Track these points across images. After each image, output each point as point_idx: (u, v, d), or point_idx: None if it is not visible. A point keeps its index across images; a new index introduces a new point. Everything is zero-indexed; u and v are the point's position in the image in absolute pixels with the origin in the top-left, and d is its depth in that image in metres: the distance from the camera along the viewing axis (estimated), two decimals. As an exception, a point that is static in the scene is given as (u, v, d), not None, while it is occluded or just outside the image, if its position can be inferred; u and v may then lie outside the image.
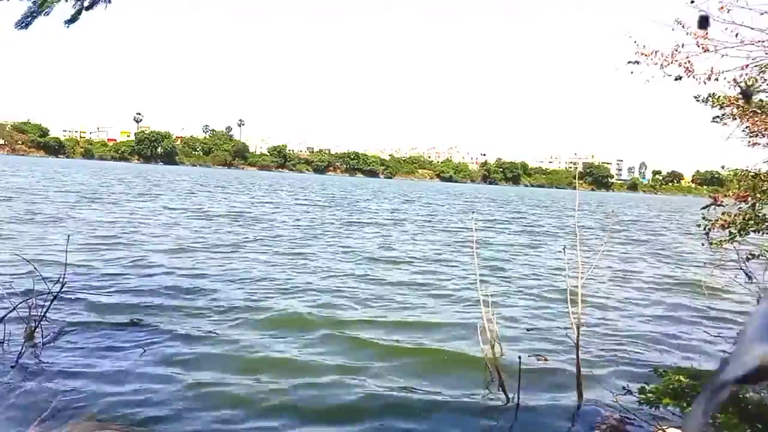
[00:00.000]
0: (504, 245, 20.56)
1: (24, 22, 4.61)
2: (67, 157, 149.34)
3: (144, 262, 12.60)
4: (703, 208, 5.85)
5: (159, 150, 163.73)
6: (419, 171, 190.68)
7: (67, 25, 4.71)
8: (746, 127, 5.39)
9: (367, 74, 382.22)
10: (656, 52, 4.98)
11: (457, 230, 25.46)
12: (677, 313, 10.77)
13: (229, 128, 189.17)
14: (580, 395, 6.03)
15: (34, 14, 4.58)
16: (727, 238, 5.83)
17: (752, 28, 4.71)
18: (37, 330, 6.94)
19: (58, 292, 7.09)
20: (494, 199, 69.47)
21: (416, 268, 14.27)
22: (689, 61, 4.90)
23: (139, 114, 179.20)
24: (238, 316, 8.69)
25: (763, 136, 5.36)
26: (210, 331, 7.86)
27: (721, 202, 5.75)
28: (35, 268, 7.35)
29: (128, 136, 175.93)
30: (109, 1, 4.82)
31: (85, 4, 4.70)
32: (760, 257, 5.87)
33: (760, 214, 5.59)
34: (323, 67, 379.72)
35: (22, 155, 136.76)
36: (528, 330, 8.93)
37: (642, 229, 33.21)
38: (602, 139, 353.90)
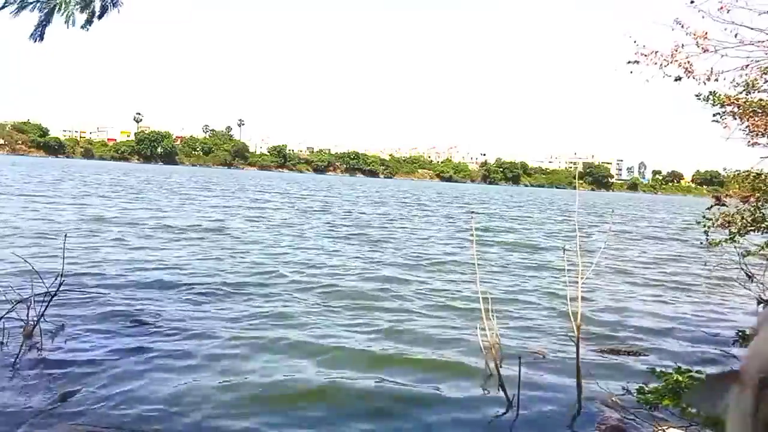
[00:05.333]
0: (502, 246, 20.55)
1: (37, 34, 4.63)
2: (67, 157, 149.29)
3: (142, 261, 12.59)
4: (708, 209, 5.84)
5: (159, 150, 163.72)
6: (419, 171, 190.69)
7: (84, 28, 4.74)
8: (746, 126, 5.38)
9: (367, 74, 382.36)
10: (656, 52, 4.98)
11: (453, 237, 25.45)
12: (677, 313, 10.76)
13: (229, 128, 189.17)
14: (580, 395, 6.02)
15: (45, 24, 4.60)
16: (727, 237, 5.82)
17: (752, 29, 4.71)
18: (35, 329, 6.94)
19: (56, 291, 7.08)
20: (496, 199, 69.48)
21: (416, 268, 14.27)
22: (689, 62, 4.89)
23: (139, 114, 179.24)
24: (238, 317, 8.68)
25: (763, 136, 5.35)
26: (210, 331, 7.85)
27: (724, 202, 5.75)
28: (33, 268, 7.34)
29: (128, 136, 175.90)
30: (119, 9, 4.84)
31: (97, 12, 4.73)
32: (757, 255, 5.87)
33: (759, 215, 5.59)
34: (323, 67, 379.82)
35: (22, 155, 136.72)
36: (528, 330, 8.92)
37: (643, 230, 33.19)
38: (602, 139, 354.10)
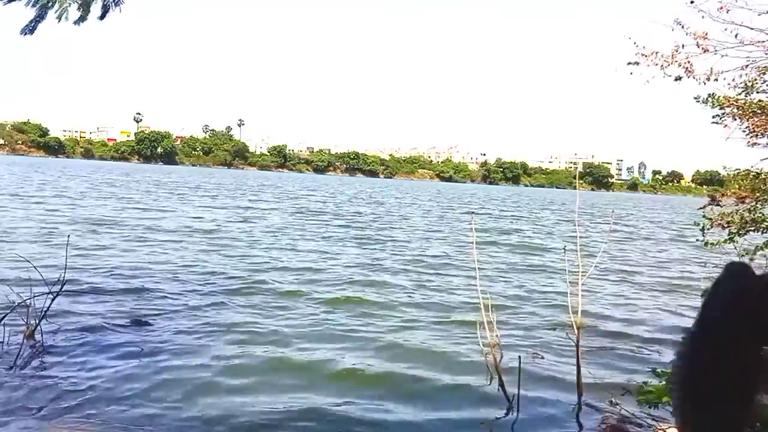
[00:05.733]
0: (501, 246, 20.56)
1: (29, 28, 4.62)
2: (67, 157, 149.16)
3: (143, 262, 12.60)
4: (701, 208, 5.84)
5: (159, 150, 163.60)
6: (419, 171, 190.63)
7: (77, 24, 4.74)
8: (746, 127, 5.38)
9: (367, 74, 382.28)
10: (656, 53, 4.98)
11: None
12: (677, 314, 10.76)
13: (229, 128, 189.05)
14: (580, 395, 6.03)
15: (38, 20, 4.60)
16: (727, 238, 5.81)
17: (752, 29, 4.72)
18: (36, 330, 6.94)
19: (58, 292, 7.08)
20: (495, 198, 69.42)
21: (416, 268, 14.28)
22: (689, 62, 4.90)
23: (139, 114, 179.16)
24: (231, 323, 8.70)
25: (763, 136, 5.36)
26: (210, 332, 7.86)
27: (719, 201, 5.74)
28: (35, 268, 7.34)
29: (128, 136, 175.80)
30: (120, 9, 4.84)
31: (98, 14, 4.72)
32: (754, 255, 5.86)
33: (759, 215, 5.58)
34: (323, 67, 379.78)
35: (22, 155, 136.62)
36: (528, 330, 8.93)
37: (643, 230, 33.20)
38: (602, 139, 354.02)
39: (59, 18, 4.58)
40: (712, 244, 5.89)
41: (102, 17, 4.63)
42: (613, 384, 6.40)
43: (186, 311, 8.79)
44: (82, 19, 4.74)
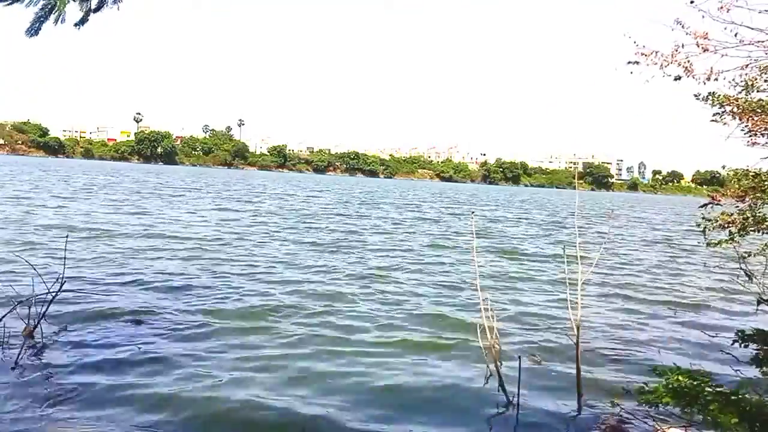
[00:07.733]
0: (501, 246, 20.55)
1: (33, 29, 4.62)
2: (67, 157, 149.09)
3: (142, 262, 12.60)
4: (701, 207, 5.83)
5: (159, 150, 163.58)
6: (419, 171, 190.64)
7: (77, 27, 4.73)
8: (746, 126, 5.38)
9: (367, 74, 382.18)
10: (656, 52, 4.97)
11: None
12: (677, 314, 10.76)
13: (229, 128, 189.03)
14: (579, 395, 6.02)
15: (42, 20, 4.59)
16: (726, 238, 5.80)
17: (752, 28, 4.71)
18: (36, 329, 6.94)
19: (57, 292, 7.09)
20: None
21: (415, 267, 14.27)
22: (689, 61, 4.89)
23: (139, 114, 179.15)
24: (236, 316, 8.69)
25: (763, 136, 5.35)
26: (209, 331, 7.86)
27: (719, 201, 5.73)
28: (34, 268, 7.34)
29: (128, 136, 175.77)
30: (119, 5, 4.82)
31: (92, 6, 4.71)
32: (758, 255, 5.86)
33: (759, 214, 5.58)
34: (323, 67, 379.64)
35: (22, 155, 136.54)
36: (528, 330, 8.92)
37: (642, 230, 33.19)
38: (602, 139, 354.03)
39: (56, 21, 4.58)
40: (712, 243, 5.88)
41: (96, 10, 4.61)
42: (613, 384, 6.39)
43: (183, 312, 8.78)
44: (83, 21, 4.74)
